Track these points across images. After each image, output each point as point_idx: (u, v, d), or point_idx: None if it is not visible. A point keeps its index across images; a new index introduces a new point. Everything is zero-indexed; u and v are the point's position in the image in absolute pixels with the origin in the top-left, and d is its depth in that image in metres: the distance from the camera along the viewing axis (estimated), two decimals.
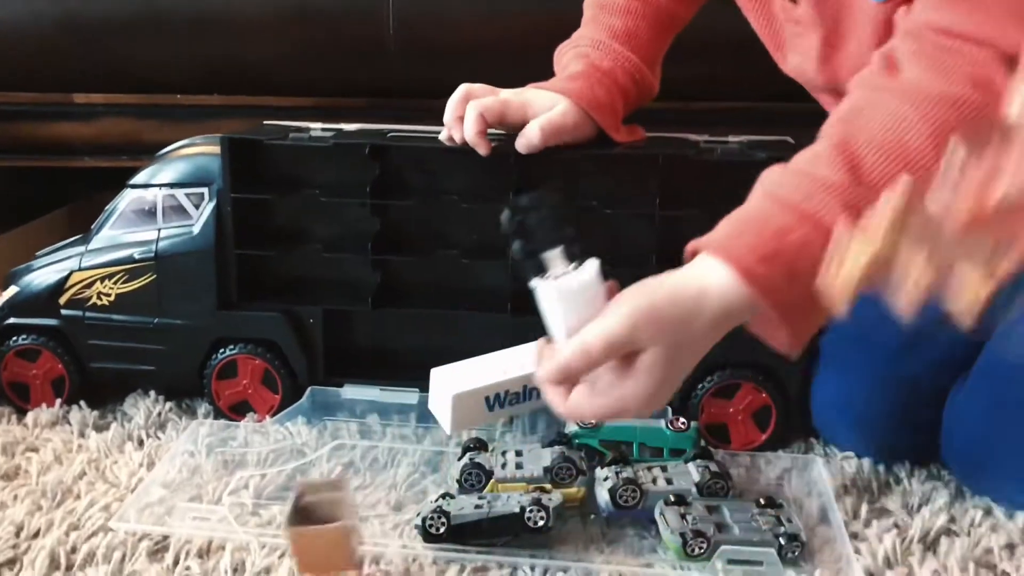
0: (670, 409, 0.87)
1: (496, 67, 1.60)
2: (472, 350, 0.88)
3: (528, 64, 1.58)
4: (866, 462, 0.86)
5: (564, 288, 0.65)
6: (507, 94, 0.91)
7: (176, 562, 0.70)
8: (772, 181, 0.66)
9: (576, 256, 0.65)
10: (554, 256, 0.65)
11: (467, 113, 0.86)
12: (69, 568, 0.69)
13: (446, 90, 1.66)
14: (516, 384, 0.80)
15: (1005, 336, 0.79)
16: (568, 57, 0.97)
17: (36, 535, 0.73)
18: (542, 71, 1.60)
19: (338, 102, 1.65)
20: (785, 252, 0.61)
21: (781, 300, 0.62)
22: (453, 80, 1.64)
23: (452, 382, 0.80)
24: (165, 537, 0.73)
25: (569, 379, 0.65)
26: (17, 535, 0.73)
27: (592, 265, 0.65)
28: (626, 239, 0.91)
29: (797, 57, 0.86)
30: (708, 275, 0.63)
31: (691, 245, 0.66)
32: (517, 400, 0.81)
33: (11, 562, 0.70)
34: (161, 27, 1.57)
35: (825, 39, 0.81)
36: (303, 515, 0.64)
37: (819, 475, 0.82)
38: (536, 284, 0.66)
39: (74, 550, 0.71)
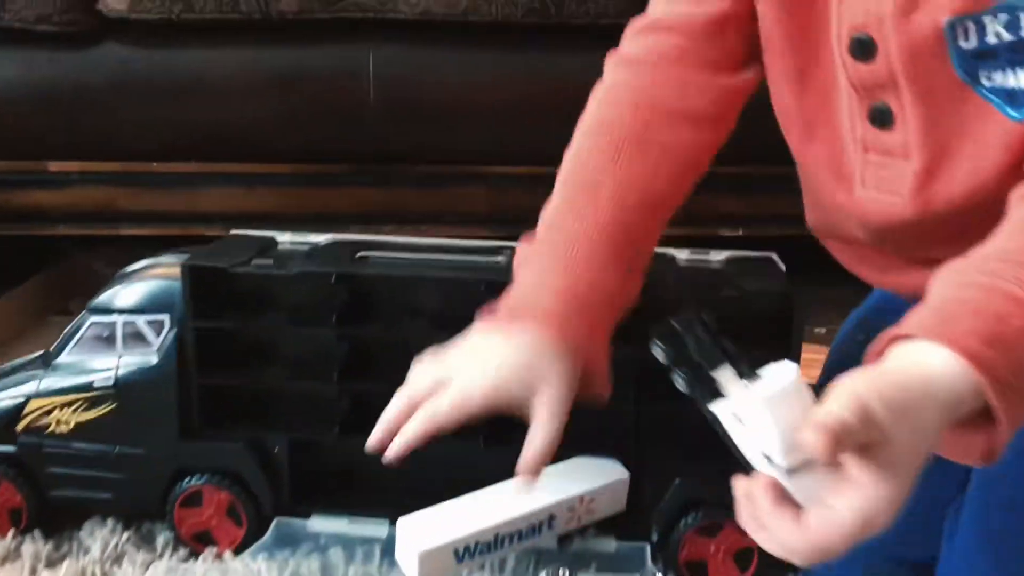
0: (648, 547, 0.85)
1: (477, 130, 1.58)
2: (445, 477, 0.86)
3: (508, 126, 1.57)
4: None
5: (772, 396, 0.53)
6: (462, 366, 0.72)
7: None
8: (967, 271, 0.58)
9: (746, 370, 0.54)
10: (725, 375, 0.54)
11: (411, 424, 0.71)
12: None
13: (428, 153, 1.64)
14: (489, 533, 0.77)
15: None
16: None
17: None
18: (522, 133, 1.58)
19: (319, 168, 1.63)
20: (1009, 337, 0.53)
21: (1006, 387, 0.53)
22: (435, 143, 1.63)
23: (419, 535, 0.77)
24: None
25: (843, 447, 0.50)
26: None
27: (791, 367, 0.54)
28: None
29: (873, 190, 0.72)
30: (928, 361, 0.53)
31: (889, 333, 0.56)
32: (489, 550, 0.78)
33: None
34: (137, 93, 1.55)
35: (926, 167, 0.69)
36: None
37: None
38: (723, 407, 0.54)
39: None
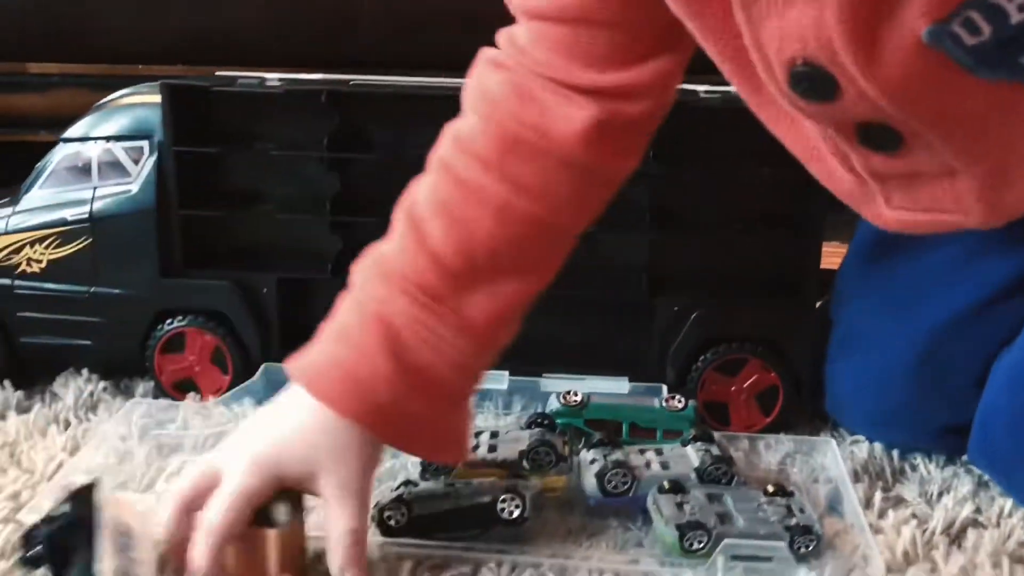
0: (665, 387, 0.79)
1: (471, 39, 1.52)
2: None
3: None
4: (878, 446, 0.77)
5: None
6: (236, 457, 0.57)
7: None
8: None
9: None
10: None
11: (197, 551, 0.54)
12: None
13: (422, 63, 1.58)
14: None
15: None
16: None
17: None
18: None
19: (308, 74, 1.57)
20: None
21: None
22: (429, 52, 1.57)
23: None
24: None
25: None
26: None
27: None
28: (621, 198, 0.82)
29: (915, 212, 0.61)
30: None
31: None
32: None
33: None
34: None
35: (986, 180, 0.56)
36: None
37: (833, 458, 0.73)
38: None
39: None
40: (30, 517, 0.63)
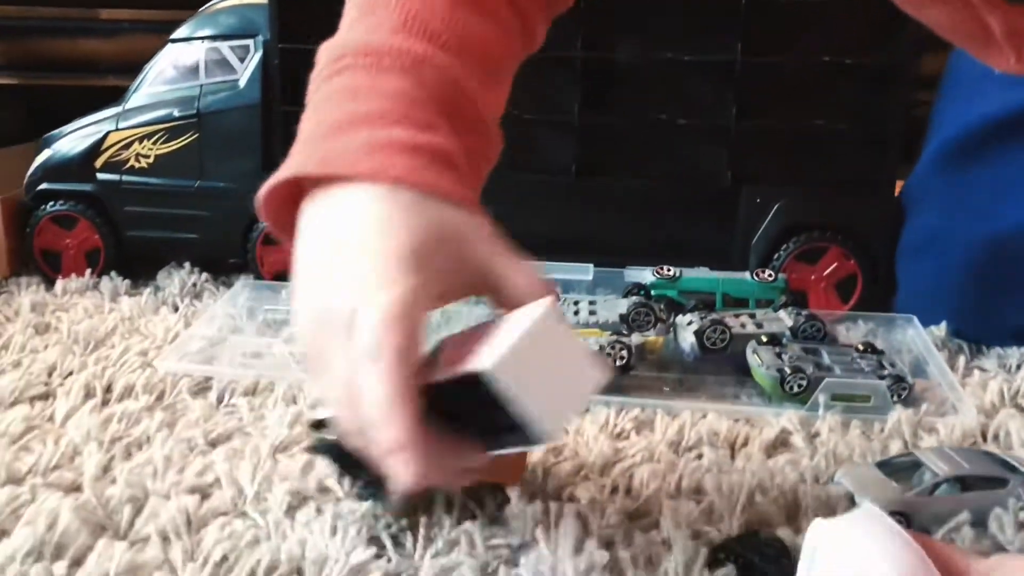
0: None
1: None
2: (534, 221, 0.84)
3: None
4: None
5: None
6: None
7: (221, 399, 0.65)
8: None
9: None
10: None
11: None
12: (106, 402, 0.64)
13: None
14: None
15: None
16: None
17: (71, 373, 0.68)
18: None
19: None
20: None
21: None
22: None
23: None
24: (208, 378, 0.67)
25: None
26: (49, 374, 0.68)
27: None
28: (699, 90, 0.85)
29: None
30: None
31: None
32: None
33: (44, 396, 0.65)
34: None
35: None
36: None
37: (916, 332, 0.76)
38: None
39: (110, 387, 0.65)
40: (161, 364, 0.68)
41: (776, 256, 0.83)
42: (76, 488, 0.52)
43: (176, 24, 1.59)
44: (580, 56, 0.84)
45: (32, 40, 1.59)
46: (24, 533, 0.46)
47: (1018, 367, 0.73)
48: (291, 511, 0.50)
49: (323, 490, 0.52)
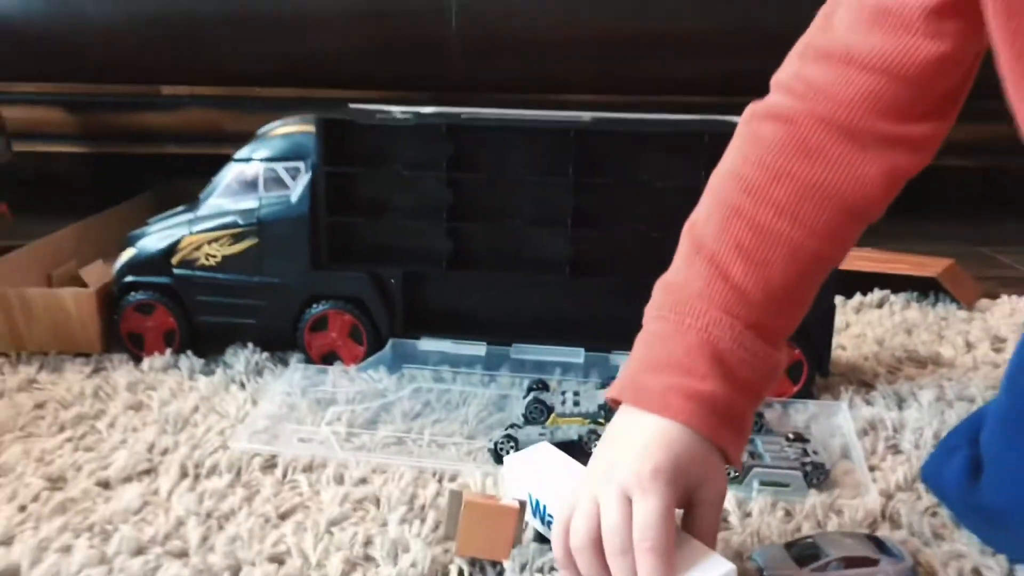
0: None
1: (556, 61, 1.73)
2: (534, 310, 1.01)
3: (589, 58, 1.71)
4: (881, 409, 0.96)
5: None
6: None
7: (285, 475, 0.83)
8: None
9: None
10: None
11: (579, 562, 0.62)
12: (196, 477, 0.82)
13: (504, 83, 1.78)
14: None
15: None
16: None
17: (165, 452, 0.86)
18: (591, 64, 1.72)
19: (405, 95, 1.79)
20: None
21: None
22: (511, 75, 1.77)
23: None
24: (273, 456, 0.85)
25: None
26: (149, 451, 0.86)
27: None
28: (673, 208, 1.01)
29: None
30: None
31: None
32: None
33: (148, 472, 0.83)
34: (241, 24, 1.72)
35: None
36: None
37: (843, 419, 0.93)
38: None
39: (199, 464, 0.84)
40: (236, 445, 0.86)
41: None
42: (185, 555, 0.70)
43: (228, 99, 1.79)
44: (572, 180, 1.01)
45: (101, 113, 1.80)
46: None
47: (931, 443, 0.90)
48: (344, 571, 0.68)
49: (368, 558, 0.70)
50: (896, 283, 1.37)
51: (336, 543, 0.72)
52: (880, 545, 0.70)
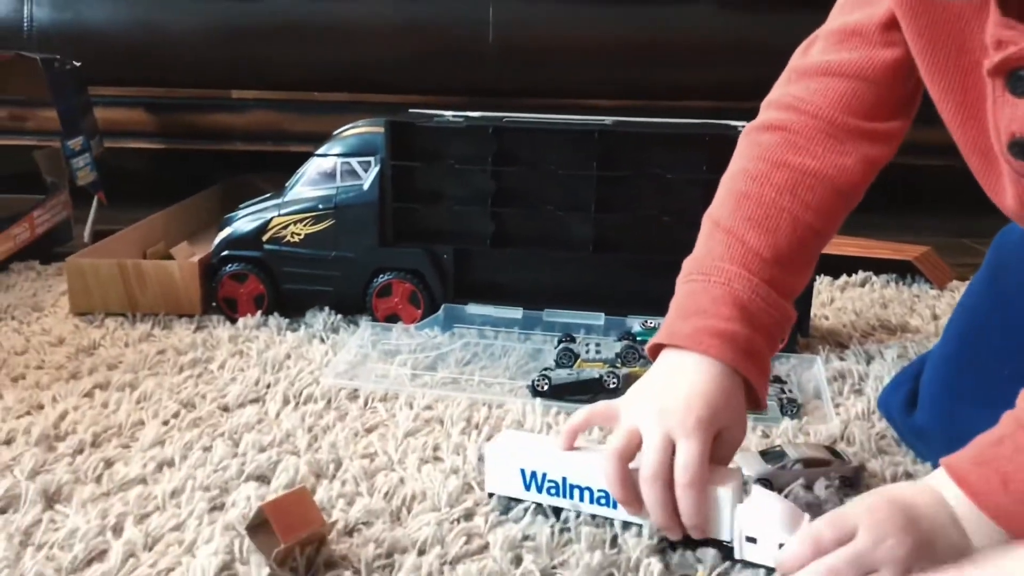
0: None
1: (581, 70, 1.94)
2: (562, 281, 1.22)
3: (609, 67, 1.92)
4: (852, 362, 1.16)
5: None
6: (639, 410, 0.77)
7: (366, 403, 1.04)
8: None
9: None
10: None
11: (645, 491, 0.73)
12: (296, 404, 1.04)
13: (536, 89, 1.99)
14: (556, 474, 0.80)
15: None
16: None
17: (268, 386, 1.08)
18: (622, 73, 1.92)
19: (444, 99, 2.00)
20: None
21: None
22: (543, 81, 1.97)
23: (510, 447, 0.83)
24: (356, 389, 1.07)
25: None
26: (256, 385, 1.08)
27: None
28: (680, 196, 1.23)
29: None
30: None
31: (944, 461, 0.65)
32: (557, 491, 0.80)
33: (257, 400, 1.05)
34: (302, 35, 1.94)
35: None
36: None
37: (818, 369, 1.13)
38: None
39: (297, 395, 1.05)
40: (325, 380, 1.07)
41: None
42: (297, 454, 0.92)
43: (289, 102, 2.01)
44: (595, 173, 1.22)
45: (177, 114, 2.02)
46: (283, 479, 0.86)
47: None
48: (419, 466, 0.89)
49: (436, 458, 0.91)
50: (879, 266, 1.57)
51: (412, 447, 0.93)
52: (834, 452, 0.90)
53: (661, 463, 0.72)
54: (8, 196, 1.63)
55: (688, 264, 0.84)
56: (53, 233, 1.64)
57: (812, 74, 0.83)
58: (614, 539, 0.77)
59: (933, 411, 0.92)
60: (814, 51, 0.85)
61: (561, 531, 0.78)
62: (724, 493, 0.74)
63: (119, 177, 1.84)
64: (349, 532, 0.78)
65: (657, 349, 0.82)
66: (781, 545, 0.70)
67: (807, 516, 0.72)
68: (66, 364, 1.13)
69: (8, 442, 0.93)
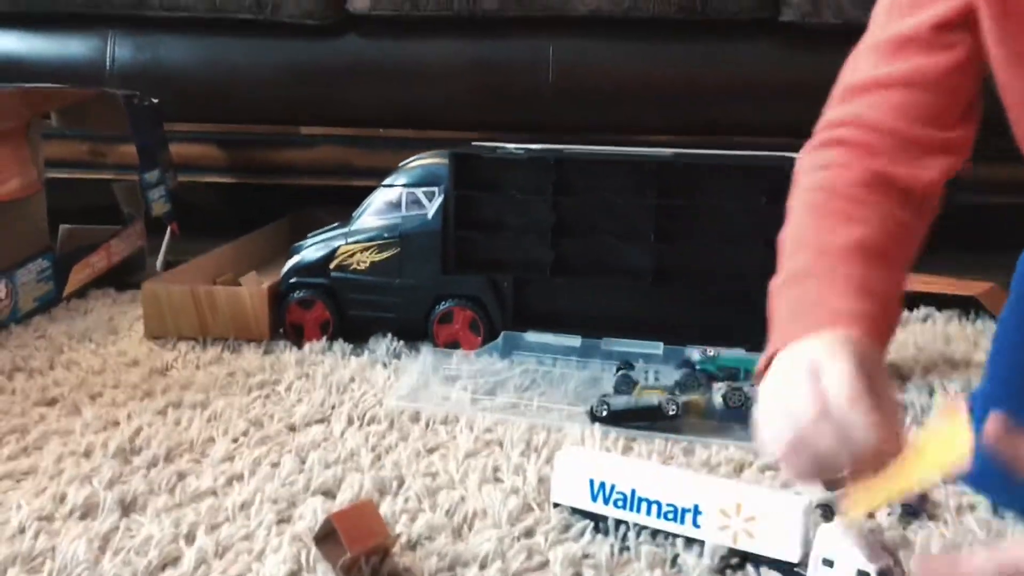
0: None
1: (639, 107, 1.96)
2: (621, 310, 1.24)
3: (668, 105, 1.94)
4: (914, 396, 1.15)
5: None
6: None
7: (428, 425, 1.06)
8: None
9: None
10: None
11: None
12: (361, 425, 1.06)
13: (595, 127, 2.01)
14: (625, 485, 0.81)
15: None
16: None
17: (333, 407, 1.11)
18: (680, 110, 1.94)
19: (504, 136, 2.03)
20: None
21: None
22: (601, 119, 1.99)
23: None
24: (418, 412, 1.09)
25: None
26: (321, 405, 1.11)
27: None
28: (738, 227, 1.24)
29: None
30: None
31: None
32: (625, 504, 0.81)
33: (322, 420, 1.07)
34: (367, 74, 1.99)
35: None
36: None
37: None
38: None
39: (361, 416, 1.08)
40: (389, 403, 1.10)
41: None
42: (361, 471, 0.94)
43: (356, 138, 2.06)
44: (654, 204, 1.24)
45: (247, 150, 2.08)
46: (347, 494, 0.88)
47: None
48: (480, 485, 0.91)
49: (497, 479, 0.93)
50: (941, 302, 1.55)
51: (472, 467, 0.95)
52: None
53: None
54: (87, 227, 1.69)
55: (781, 272, 0.77)
56: (128, 262, 1.70)
57: (868, 89, 0.78)
58: (675, 559, 0.77)
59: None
60: (864, 66, 0.79)
61: (621, 550, 0.79)
62: (797, 507, 0.74)
63: (191, 210, 1.90)
64: (412, 546, 0.80)
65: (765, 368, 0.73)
66: (859, 572, 0.70)
67: (888, 555, 0.71)
68: (140, 384, 1.17)
69: (87, 454, 0.97)
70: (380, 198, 1.33)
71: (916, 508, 0.87)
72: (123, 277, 1.66)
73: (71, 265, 1.54)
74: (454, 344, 1.30)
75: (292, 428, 1.05)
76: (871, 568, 0.70)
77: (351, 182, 2.04)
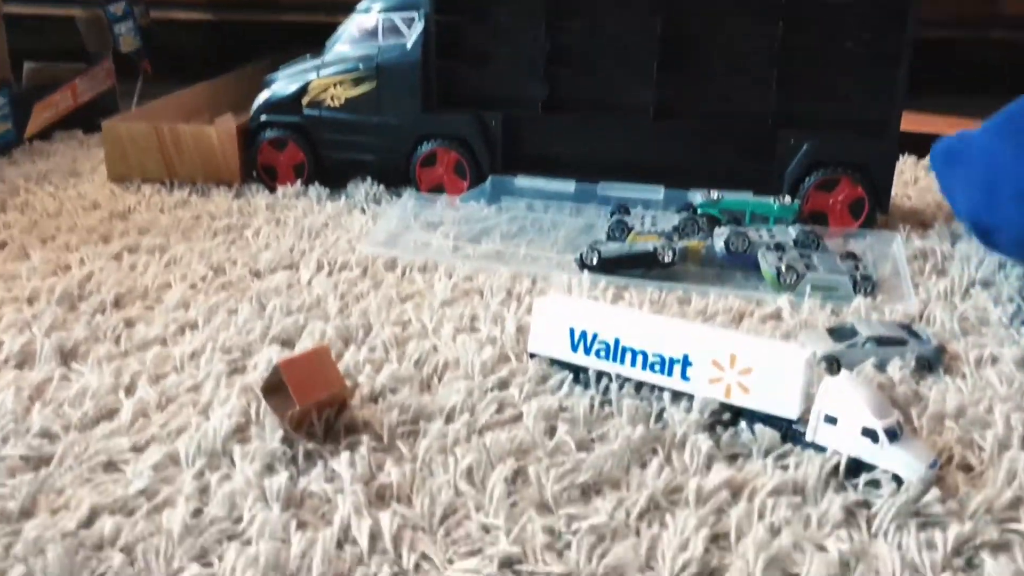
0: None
1: None
2: (619, 151, 1.13)
3: None
4: (936, 243, 1.06)
5: None
6: None
7: (404, 272, 0.98)
8: None
9: None
10: None
11: None
12: (331, 271, 0.98)
13: None
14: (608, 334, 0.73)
15: None
16: None
17: (303, 253, 1.02)
18: None
19: None
20: None
21: None
22: None
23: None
24: (394, 259, 1.00)
25: None
26: (290, 251, 1.02)
27: None
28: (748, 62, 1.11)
29: None
30: None
31: None
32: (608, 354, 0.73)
33: (290, 266, 0.99)
34: None
35: None
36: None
37: (896, 246, 1.03)
38: None
39: (332, 262, 0.99)
40: (363, 248, 1.01)
41: (802, 185, 1.10)
42: (326, 319, 0.86)
43: None
44: (659, 29, 1.11)
45: None
46: (307, 343, 0.81)
47: (977, 267, 1.00)
48: (454, 335, 0.83)
49: (473, 328, 0.85)
50: None
51: (448, 316, 0.87)
52: (912, 332, 0.81)
53: None
54: (51, 64, 1.57)
55: None
56: (98, 103, 1.59)
57: None
58: (660, 413, 0.70)
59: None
60: None
61: (602, 404, 0.71)
62: (799, 359, 0.66)
63: (167, 51, 1.78)
64: (374, 398, 0.73)
65: None
66: (864, 430, 0.63)
67: (897, 412, 0.64)
68: (98, 227, 1.08)
69: (31, 300, 0.89)
70: (355, 25, 1.20)
71: (932, 360, 0.79)
72: (93, 120, 1.55)
73: (32, 103, 1.43)
74: (438, 189, 1.20)
75: (256, 274, 0.97)
76: (878, 426, 0.62)
77: (337, 18, 1.89)
